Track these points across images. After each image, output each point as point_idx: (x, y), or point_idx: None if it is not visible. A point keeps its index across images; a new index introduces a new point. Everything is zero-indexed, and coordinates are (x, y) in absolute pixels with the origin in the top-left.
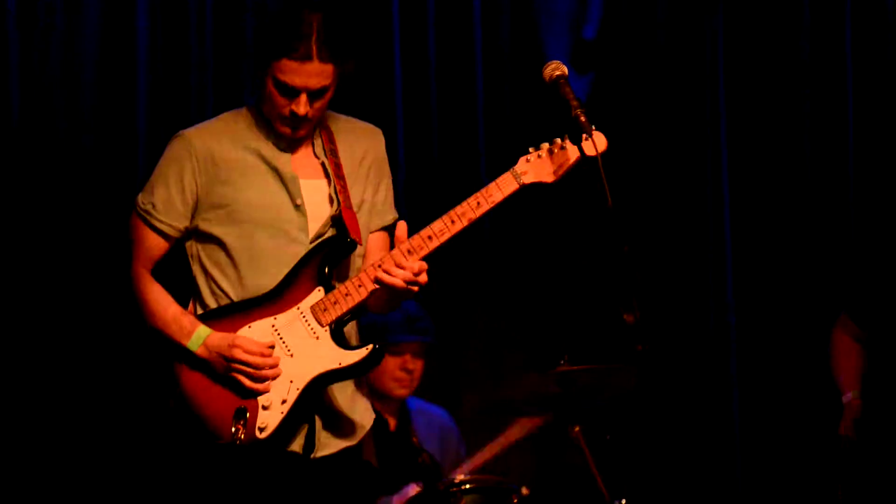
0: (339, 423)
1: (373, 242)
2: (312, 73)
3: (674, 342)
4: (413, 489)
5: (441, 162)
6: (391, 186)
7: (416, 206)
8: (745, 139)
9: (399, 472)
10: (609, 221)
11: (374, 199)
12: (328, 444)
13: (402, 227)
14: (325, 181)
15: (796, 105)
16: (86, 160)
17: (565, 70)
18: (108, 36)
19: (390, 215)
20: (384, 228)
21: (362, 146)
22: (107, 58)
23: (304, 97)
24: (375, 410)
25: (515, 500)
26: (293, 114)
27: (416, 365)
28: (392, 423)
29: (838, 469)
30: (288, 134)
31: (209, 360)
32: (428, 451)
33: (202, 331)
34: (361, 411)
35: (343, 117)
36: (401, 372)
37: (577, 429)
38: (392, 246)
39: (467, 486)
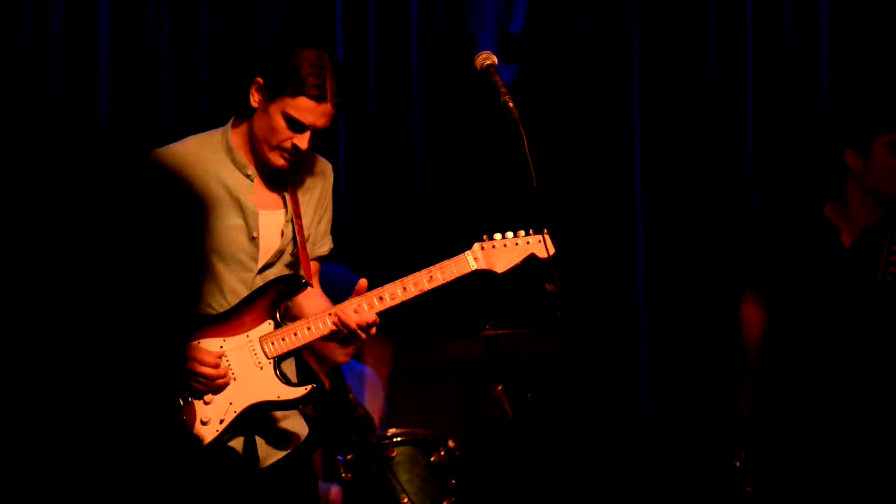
0: (276, 436)
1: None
2: (323, 114)
3: (588, 310)
4: (335, 489)
5: (378, 140)
6: (331, 218)
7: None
8: (656, 124)
9: (337, 427)
10: (534, 201)
11: (316, 231)
12: (269, 456)
13: (362, 283)
14: (281, 212)
15: (703, 98)
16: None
17: (495, 59)
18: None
19: (326, 246)
20: (316, 258)
21: (313, 180)
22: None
23: (308, 133)
24: (312, 371)
25: (443, 452)
26: (295, 147)
27: None
28: (326, 382)
29: (741, 428)
30: (280, 165)
31: None
32: (363, 406)
33: None
34: (294, 421)
35: None
36: None
37: (500, 388)
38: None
39: (398, 438)
